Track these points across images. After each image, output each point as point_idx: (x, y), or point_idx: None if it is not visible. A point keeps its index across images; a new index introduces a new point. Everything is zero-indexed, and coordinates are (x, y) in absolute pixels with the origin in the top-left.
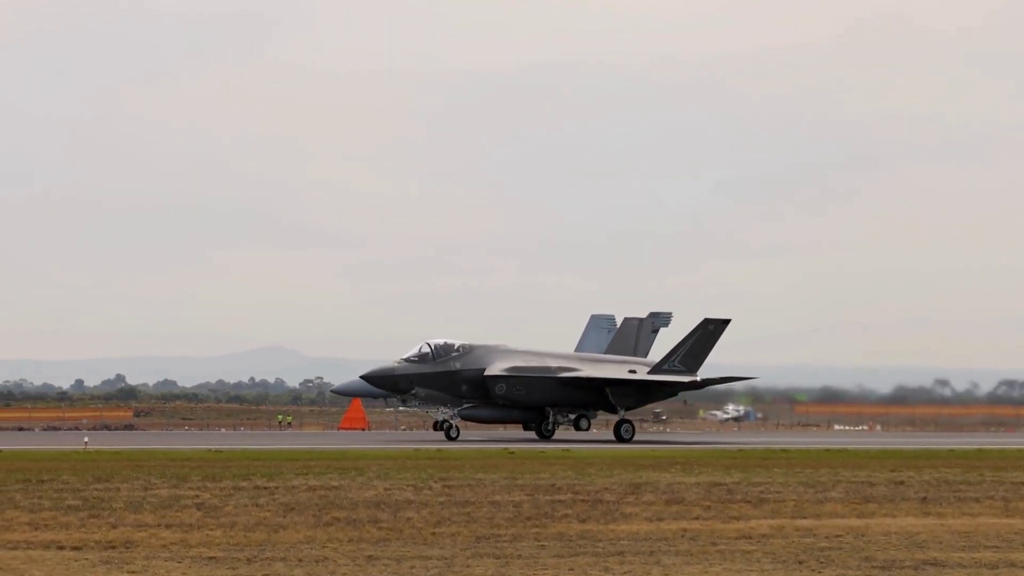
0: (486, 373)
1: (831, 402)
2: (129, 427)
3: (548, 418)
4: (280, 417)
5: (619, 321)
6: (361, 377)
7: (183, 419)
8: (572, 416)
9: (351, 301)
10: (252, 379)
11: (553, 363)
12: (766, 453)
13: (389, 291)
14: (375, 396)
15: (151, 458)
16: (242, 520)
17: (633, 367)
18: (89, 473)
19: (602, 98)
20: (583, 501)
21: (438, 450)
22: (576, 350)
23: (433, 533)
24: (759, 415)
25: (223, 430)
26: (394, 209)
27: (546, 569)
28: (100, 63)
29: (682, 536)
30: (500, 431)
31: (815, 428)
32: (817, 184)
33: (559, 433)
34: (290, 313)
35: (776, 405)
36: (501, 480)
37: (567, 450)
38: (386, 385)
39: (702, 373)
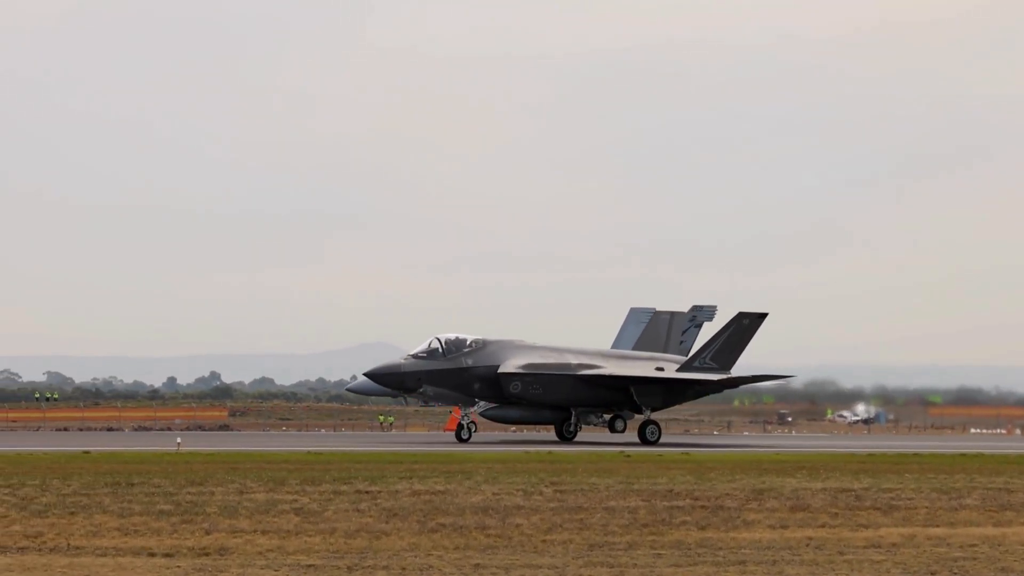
0: (500, 370)
1: (967, 404)
2: (224, 428)
3: (571, 418)
4: (382, 418)
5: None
6: (365, 375)
7: (280, 419)
8: (606, 417)
9: (457, 295)
10: (354, 377)
11: (574, 360)
12: (897, 457)
13: (496, 284)
14: (390, 395)
15: (247, 460)
16: (342, 526)
17: (661, 364)
18: (182, 476)
19: (729, 80)
20: (703, 507)
21: (549, 452)
22: (613, 346)
23: (544, 540)
24: (890, 417)
25: (322, 431)
26: (503, 200)
27: None
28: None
29: (807, 545)
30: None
31: (949, 431)
32: (948, 173)
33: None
34: (394, 309)
35: (908, 407)
36: (616, 485)
37: (686, 453)
38: (392, 383)
39: (738, 370)
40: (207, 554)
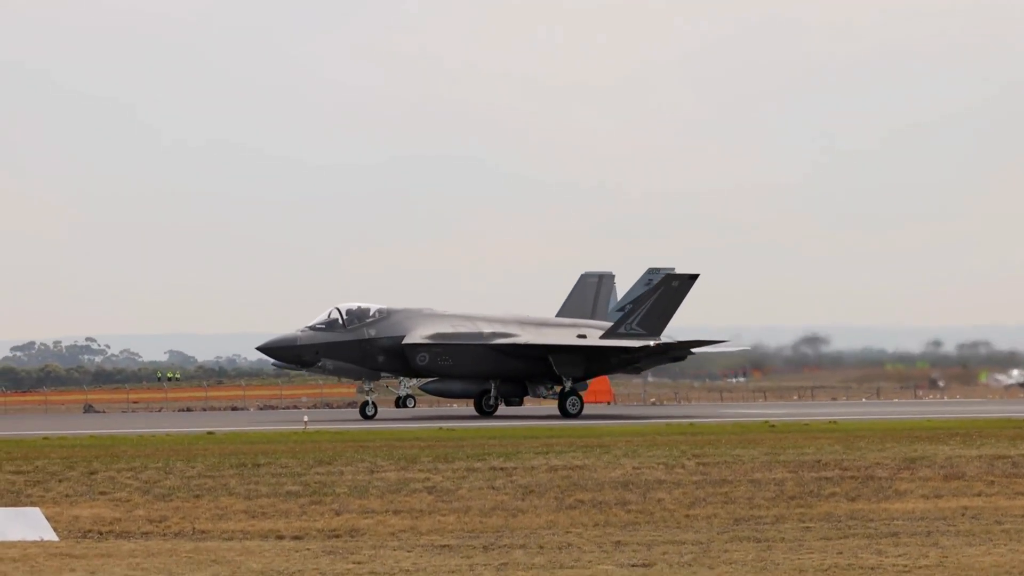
0: (405, 341)
1: None
2: (352, 405)
3: (490, 391)
4: None
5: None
6: (257, 348)
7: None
8: (556, 388)
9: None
10: None
11: (487, 328)
12: None
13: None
14: (292, 369)
15: (377, 438)
16: (477, 504)
17: (585, 331)
18: (310, 456)
19: None
20: (852, 478)
21: (691, 424)
22: (559, 314)
23: (687, 515)
24: None
25: (454, 406)
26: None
27: (812, 553)
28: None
29: (962, 515)
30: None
31: None
32: None
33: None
34: (533, 279)
35: None
36: (761, 456)
37: (833, 422)
38: (287, 357)
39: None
40: (337, 536)
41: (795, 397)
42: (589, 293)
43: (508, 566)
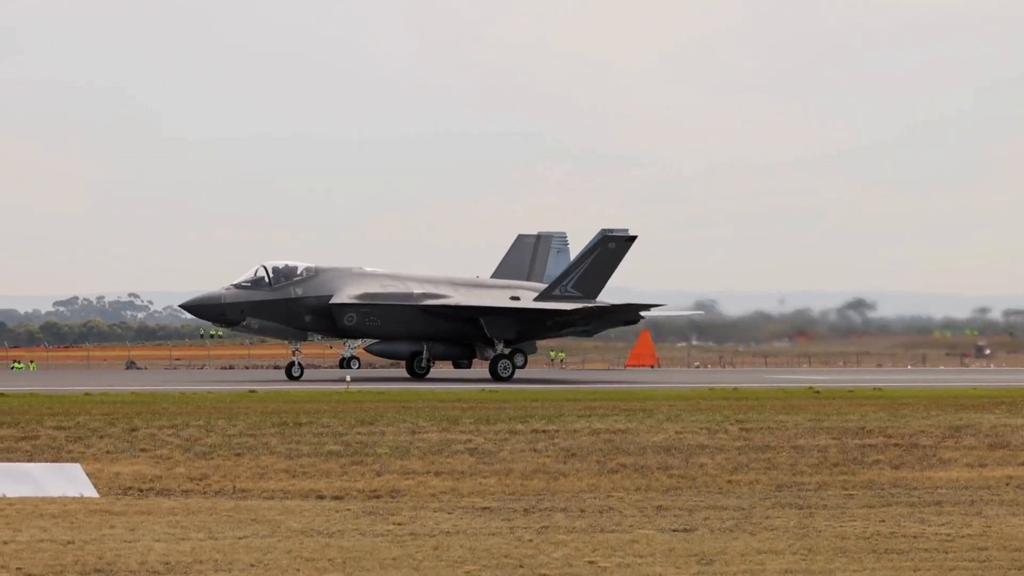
0: (332, 301)
1: None
2: (394, 364)
3: (422, 354)
4: (553, 354)
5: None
6: (180, 306)
7: None
8: (505, 350)
9: (641, 228)
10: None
11: (417, 289)
12: None
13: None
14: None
15: (418, 399)
16: (518, 467)
17: (518, 293)
18: (351, 416)
19: None
20: (896, 445)
21: (735, 389)
22: (493, 275)
23: (729, 481)
24: None
25: None
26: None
27: (854, 520)
28: None
29: (1007, 484)
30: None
31: None
32: None
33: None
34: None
35: None
36: (805, 422)
37: (878, 388)
38: (210, 315)
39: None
40: (378, 496)
41: (840, 363)
42: (526, 254)
43: (549, 529)
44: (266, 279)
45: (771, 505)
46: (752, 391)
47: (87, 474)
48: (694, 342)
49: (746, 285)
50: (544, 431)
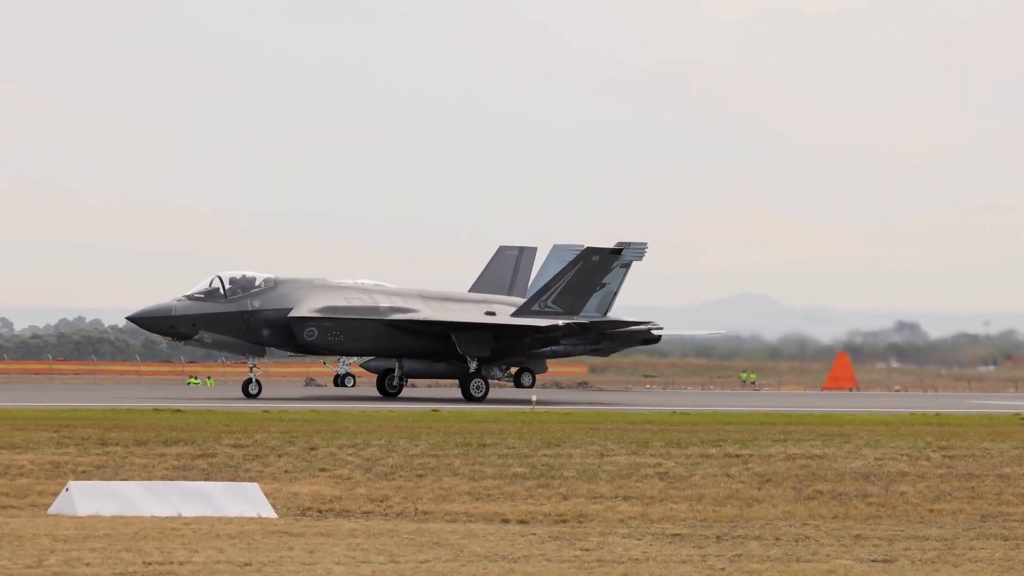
0: (291, 315)
1: None
2: (583, 384)
3: (394, 371)
4: (744, 375)
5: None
6: (128, 318)
7: (644, 376)
8: (512, 371)
9: (837, 244)
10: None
11: (384, 302)
12: None
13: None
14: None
15: (607, 420)
16: (711, 492)
17: (494, 308)
18: (537, 437)
19: None
20: None
21: (936, 414)
22: (471, 289)
23: (931, 510)
24: None
25: (689, 388)
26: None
27: None
28: None
29: None
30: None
31: None
32: None
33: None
34: (772, 257)
35: None
36: (1011, 450)
37: None
38: (160, 328)
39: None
40: (564, 521)
41: None
42: (507, 267)
43: (742, 558)
44: (221, 290)
45: (975, 536)
46: (955, 417)
47: (265, 494)
48: (894, 364)
49: (950, 306)
50: (737, 455)
